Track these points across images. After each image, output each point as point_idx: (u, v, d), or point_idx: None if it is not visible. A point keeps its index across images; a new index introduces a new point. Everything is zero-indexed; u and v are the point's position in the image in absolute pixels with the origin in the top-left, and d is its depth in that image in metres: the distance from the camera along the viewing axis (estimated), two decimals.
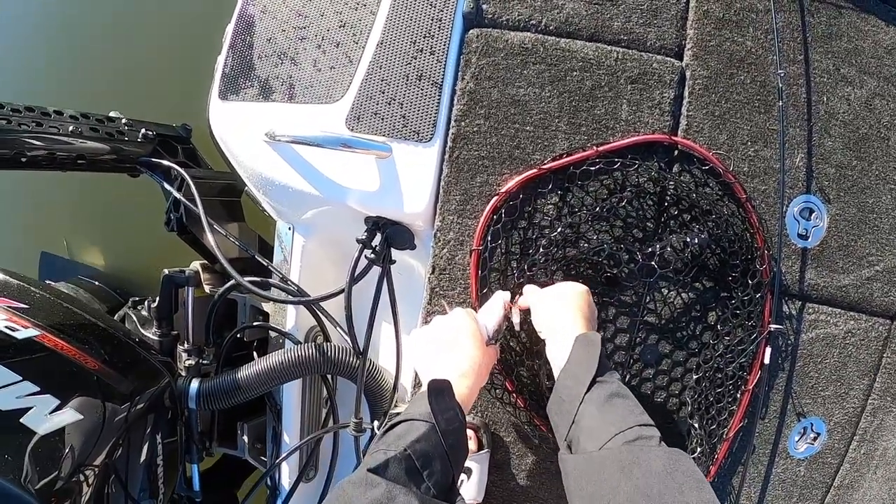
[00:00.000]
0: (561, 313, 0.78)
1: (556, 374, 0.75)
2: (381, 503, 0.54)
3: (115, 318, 1.33)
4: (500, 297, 0.84)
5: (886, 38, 1.05)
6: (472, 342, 0.78)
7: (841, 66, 1.02)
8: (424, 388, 0.69)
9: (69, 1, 2.22)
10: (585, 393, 0.67)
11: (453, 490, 0.66)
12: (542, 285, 0.86)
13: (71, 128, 1.14)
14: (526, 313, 0.86)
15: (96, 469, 0.96)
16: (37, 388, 0.89)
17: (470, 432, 1.01)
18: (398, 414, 0.69)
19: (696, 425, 0.99)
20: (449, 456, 0.64)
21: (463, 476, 0.99)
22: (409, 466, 0.60)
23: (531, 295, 0.85)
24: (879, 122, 1.04)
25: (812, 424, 1.07)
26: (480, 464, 1.00)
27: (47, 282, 1.72)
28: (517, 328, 0.86)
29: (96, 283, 1.80)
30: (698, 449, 0.99)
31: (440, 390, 0.68)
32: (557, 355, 0.75)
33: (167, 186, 1.17)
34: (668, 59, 0.96)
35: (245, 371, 1.04)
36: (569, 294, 0.80)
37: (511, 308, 0.83)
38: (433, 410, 0.66)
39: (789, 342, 1.03)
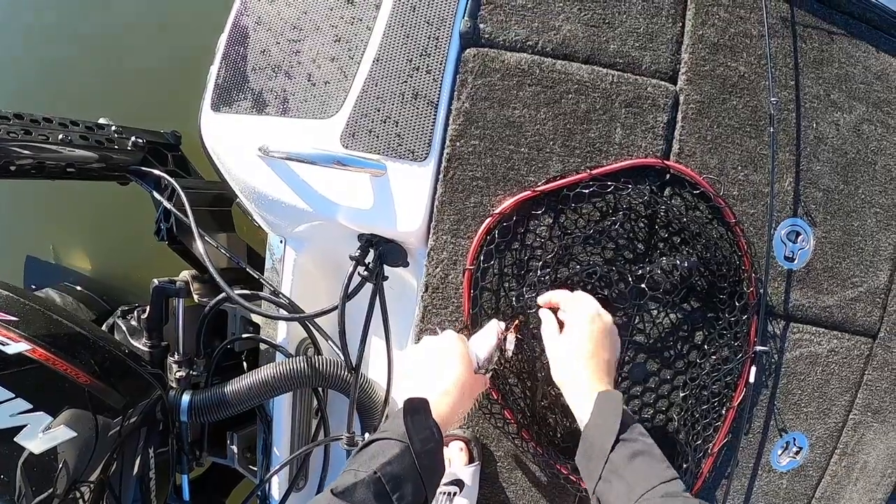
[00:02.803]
0: (577, 369, 0.77)
1: (580, 425, 0.75)
2: None
3: (104, 327, 1.32)
4: (494, 327, 0.84)
5: (876, 63, 1.06)
6: (457, 362, 0.77)
7: (831, 92, 1.04)
8: (400, 406, 0.69)
9: (58, 8, 2.17)
10: (610, 452, 0.67)
11: None
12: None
13: (60, 136, 1.13)
14: (520, 340, 0.86)
15: (91, 485, 0.96)
16: (30, 406, 0.88)
17: (461, 444, 1.02)
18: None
19: (683, 442, 1.01)
20: (422, 477, 0.64)
21: (455, 489, 1.00)
22: (377, 490, 0.60)
23: (548, 340, 0.84)
24: (867, 147, 1.06)
25: (795, 439, 1.10)
26: (472, 476, 1.01)
27: (32, 287, 1.70)
28: (509, 354, 0.87)
29: (83, 289, 1.77)
30: (684, 465, 1.01)
31: (416, 409, 0.68)
32: (581, 413, 0.75)
33: (157, 196, 1.16)
34: (663, 83, 0.97)
35: (236, 384, 1.04)
36: (583, 346, 0.78)
37: (505, 337, 0.84)
38: (408, 430, 0.65)
39: (774, 360, 1.05)
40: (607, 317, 0.83)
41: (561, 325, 0.84)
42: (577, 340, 0.79)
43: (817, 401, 1.09)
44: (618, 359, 0.85)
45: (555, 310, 0.87)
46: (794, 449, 1.10)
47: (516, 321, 0.88)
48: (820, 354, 1.07)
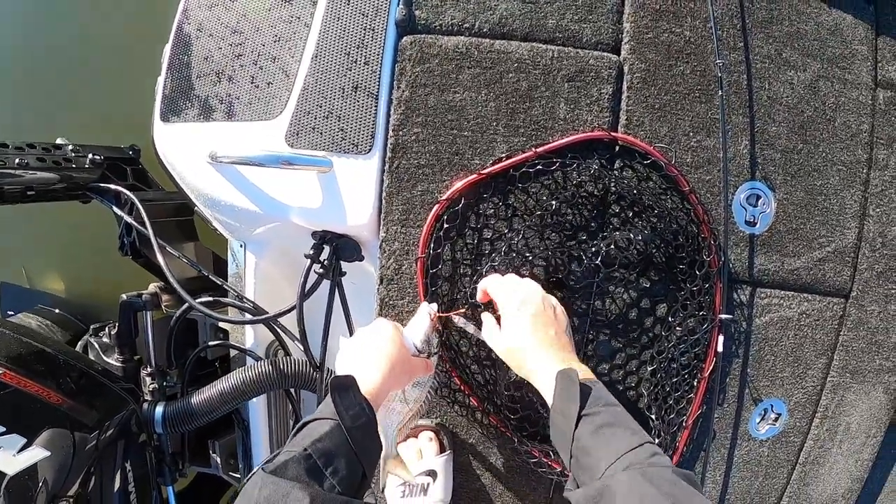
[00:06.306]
0: (530, 360, 0.77)
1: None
2: (274, 501, 0.55)
3: (78, 346, 1.33)
4: (425, 309, 0.84)
5: (829, 19, 1.04)
6: (386, 342, 0.77)
7: (783, 51, 1.01)
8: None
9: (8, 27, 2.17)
10: (574, 430, 0.68)
11: (363, 485, 0.67)
12: None
13: (17, 160, 1.13)
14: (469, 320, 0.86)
15: (70, 500, 0.97)
16: (2, 429, 0.90)
17: (430, 434, 1.02)
18: None
19: (654, 417, 1.00)
20: (356, 452, 0.65)
21: (428, 479, 1.00)
22: (309, 466, 0.60)
23: (489, 334, 0.83)
24: (825, 105, 1.03)
25: (772, 406, 1.08)
26: (444, 466, 1.01)
27: (8, 313, 1.72)
28: (471, 332, 0.87)
29: (57, 311, 1.78)
30: (656, 440, 1.00)
31: (343, 386, 0.68)
32: (548, 399, 0.75)
33: (117, 211, 1.16)
34: (605, 54, 0.95)
35: (205, 393, 1.04)
36: (525, 337, 0.78)
37: (437, 319, 0.83)
38: (336, 407, 0.66)
39: (743, 328, 1.04)
40: (537, 295, 0.81)
41: (498, 318, 0.83)
42: (516, 333, 0.79)
43: (792, 365, 1.07)
44: (569, 324, 0.84)
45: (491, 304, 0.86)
46: (773, 416, 1.09)
47: (455, 309, 0.87)
48: (791, 318, 1.06)
